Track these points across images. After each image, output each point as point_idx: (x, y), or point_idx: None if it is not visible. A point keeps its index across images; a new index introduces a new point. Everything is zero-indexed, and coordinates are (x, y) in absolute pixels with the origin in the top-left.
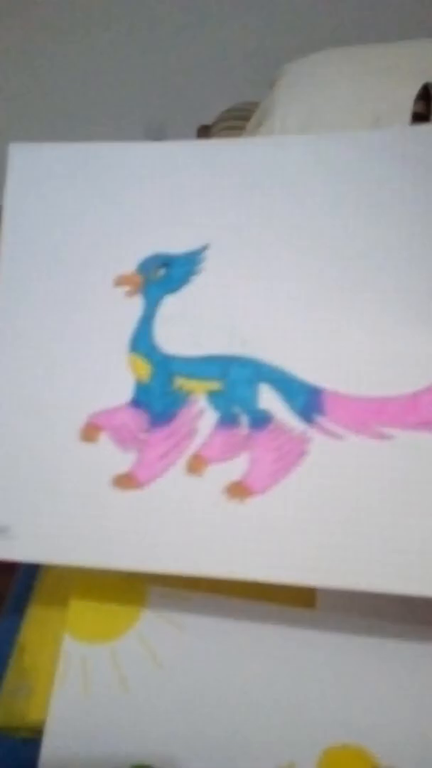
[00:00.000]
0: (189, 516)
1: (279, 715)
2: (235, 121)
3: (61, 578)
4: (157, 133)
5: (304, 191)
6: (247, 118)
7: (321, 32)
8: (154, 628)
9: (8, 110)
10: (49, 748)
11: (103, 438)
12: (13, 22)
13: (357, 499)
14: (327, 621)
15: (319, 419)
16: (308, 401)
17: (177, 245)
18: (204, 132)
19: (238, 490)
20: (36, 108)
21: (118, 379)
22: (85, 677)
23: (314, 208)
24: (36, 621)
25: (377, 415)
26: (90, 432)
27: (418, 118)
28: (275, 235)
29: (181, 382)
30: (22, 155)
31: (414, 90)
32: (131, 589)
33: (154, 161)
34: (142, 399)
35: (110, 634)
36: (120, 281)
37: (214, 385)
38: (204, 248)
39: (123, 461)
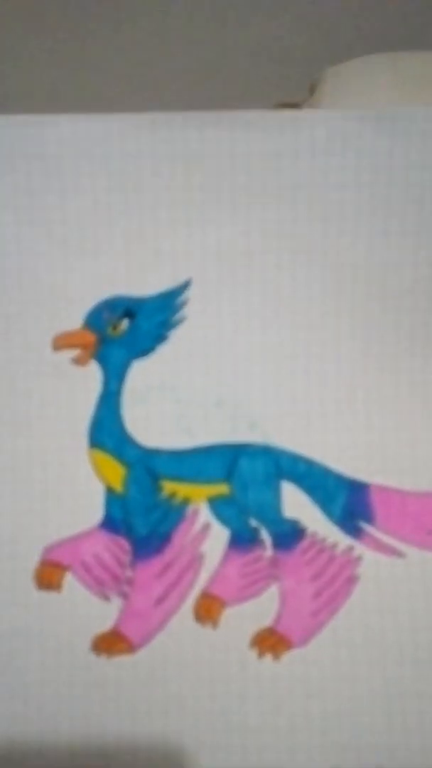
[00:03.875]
0: (207, 687)
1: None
2: None
3: None
4: None
5: (325, 194)
6: None
7: (362, 36)
8: None
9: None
10: None
11: (70, 582)
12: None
13: (430, 645)
14: None
15: (369, 529)
16: (350, 503)
17: (143, 283)
18: None
19: (271, 641)
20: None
21: (80, 491)
22: None
23: (342, 220)
24: None
25: None
26: (49, 575)
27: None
28: (287, 263)
29: (171, 488)
30: None
31: None
32: None
33: (104, 143)
34: (117, 518)
35: None
36: (62, 343)
37: (219, 489)
38: (185, 286)
39: (103, 614)
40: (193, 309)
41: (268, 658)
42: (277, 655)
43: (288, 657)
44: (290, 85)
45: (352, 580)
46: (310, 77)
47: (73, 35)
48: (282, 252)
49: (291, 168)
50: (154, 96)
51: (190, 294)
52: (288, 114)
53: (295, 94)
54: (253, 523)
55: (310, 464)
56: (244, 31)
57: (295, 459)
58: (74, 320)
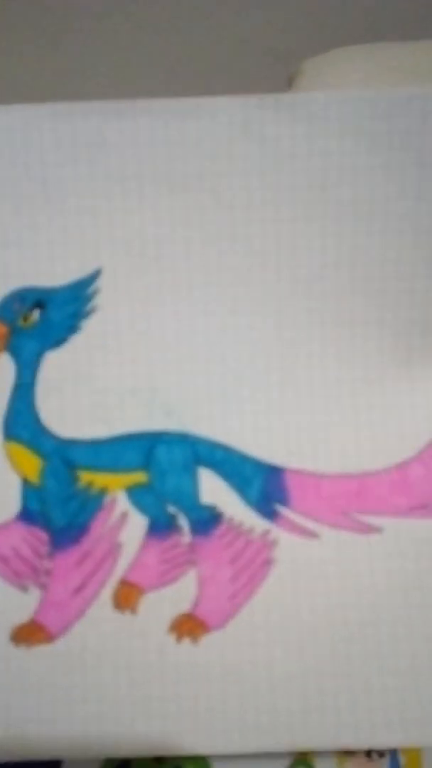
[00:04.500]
0: (126, 674)
1: None
2: None
3: None
4: None
5: (232, 180)
6: None
7: (341, 27)
8: None
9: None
10: None
11: None
12: None
13: (345, 624)
14: None
15: (284, 512)
16: (266, 487)
17: (53, 273)
18: None
19: (189, 625)
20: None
21: None
22: None
23: (249, 207)
24: None
25: (358, 499)
26: None
27: None
28: (197, 251)
29: (88, 478)
30: None
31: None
32: None
33: (6, 139)
34: (35, 509)
35: None
36: None
37: (137, 478)
38: (95, 275)
39: (21, 605)
40: (104, 298)
41: (187, 642)
42: (195, 639)
43: (206, 640)
44: (269, 78)
45: (268, 563)
46: (288, 70)
47: (47, 24)
48: (191, 240)
49: (195, 156)
50: (130, 89)
51: (101, 284)
52: (189, 101)
53: (275, 87)
54: (171, 510)
55: (226, 450)
56: (222, 24)
57: (212, 446)
58: None
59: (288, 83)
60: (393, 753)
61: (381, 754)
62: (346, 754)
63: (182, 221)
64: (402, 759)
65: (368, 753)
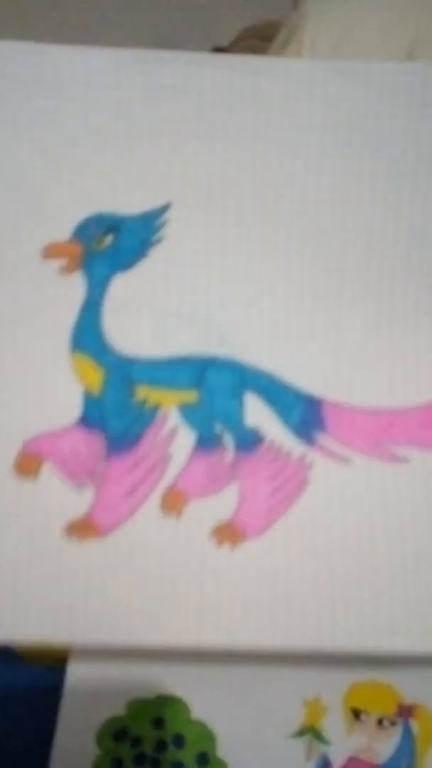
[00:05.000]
0: (168, 571)
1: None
2: (256, 40)
3: None
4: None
5: (294, 134)
6: (270, 38)
7: None
8: None
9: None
10: (74, 677)
11: (47, 471)
12: None
13: (372, 540)
14: None
15: (321, 438)
16: (306, 415)
17: (127, 203)
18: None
19: (229, 532)
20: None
21: (60, 390)
22: None
23: (309, 158)
24: None
25: (388, 432)
26: (28, 463)
27: None
28: (259, 194)
29: (144, 393)
30: None
31: None
32: None
33: (95, 75)
34: (94, 417)
35: None
36: (51, 252)
37: (188, 396)
38: (164, 208)
39: (76, 502)
40: (172, 230)
41: (226, 547)
42: (233, 545)
43: (243, 547)
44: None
45: (304, 483)
46: None
47: None
48: (254, 184)
49: (266, 109)
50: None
51: (170, 216)
52: (268, 60)
53: (280, 6)
54: (218, 428)
55: (271, 379)
56: None
57: (259, 373)
58: (63, 233)
59: (293, 3)
60: (406, 721)
61: (393, 722)
62: (356, 722)
63: (248, 167)
64: (415, 726)
65: (380, 720)
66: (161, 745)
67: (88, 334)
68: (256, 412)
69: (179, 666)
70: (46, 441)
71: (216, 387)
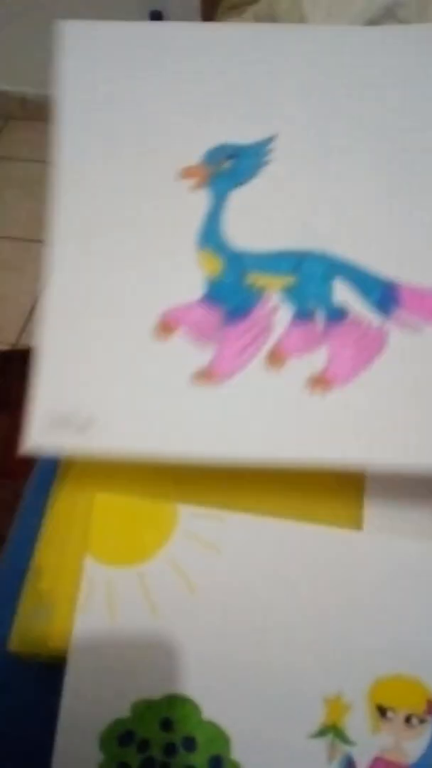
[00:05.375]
0: (271, 408)
1: (324, 643)
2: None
3: (79, 496)
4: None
5: (371, 85)
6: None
7: None
8: (186, 551)
9: None
10: (73, 678)
11: (178, 335)
12: None
13: None
14: (375, 543)
15: (397, 312)
16: (384, 294)
17: (243, 136)
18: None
19: (320, 382)
20: None
21: (189, 276)
22: (110, 603)
23: (382, 101)
24: (52, 541)
25: None
26: (164, 329)
27: None
28: (343, 128)
29: (254, 278)
30: (75, 34)
31: None
32: (159, 509)
33: (216, 45)
34: (214, 295)
35: (137, 557)
36: (187, 173)
37: (288, 281)
38: (271, 139)
39: (200, 357)
40: (278, 155)
41: (317, 394)
42: (323, 393)
43: (331, 394)
44: None
45: (382, 346)
46: None
47: None
48: (351, 126)
49: (356, 67)
50: None
51: (277, 145)
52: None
53: None
54: (311, 305)
55: (356, 267)
56: None
57: (346, 263)
58: (195, 158)
59: None
60: None
61: (422, 719)
62: (382, 720)
63: (345, 111)
64: None
65: (407, 718)
66: (170, 749)
67: (211, 235)
68: (343, 294)
69: (187, 663)
70: (177, 313)
71: (310, 273)
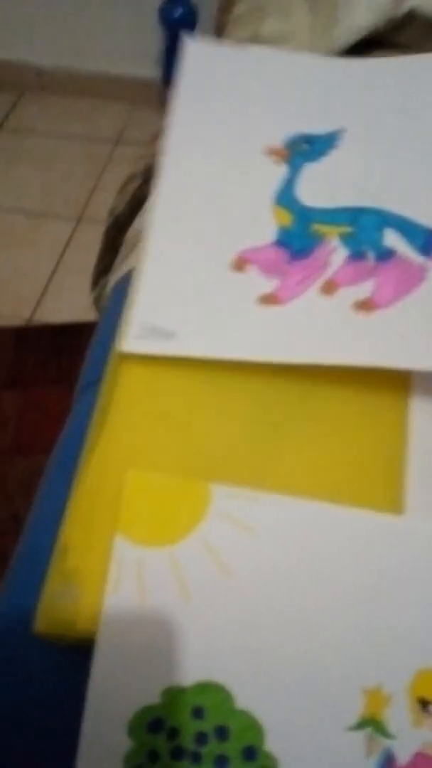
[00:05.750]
0: (323, 323)
1: (364, 633)
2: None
3: (108, 473)
4: None
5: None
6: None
7: None
8: (220, 532)
9: None
10: (101, 662)
11: (250, 269)
12: None
13: None
14: (417, 528)
15: None
16: (427, 240)
17: (319, 127)
18: None
19: (365, 305)
20: None
21: (264, 225)
22: (140, 584)
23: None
24: (79, 519)
25: None
26: (240, 264)
27: None
28: (403, 128)
29: (317, 227)
30: (195, 51)
31: None
32: (192, 487)
33: (306, 70)
34: (284, 240)
35: (169, 537)
36: (270, 151)
37: (346, 229)
38: (341, 130)
39: (267, 285)
40: (344, 142)
41: (363, 313)
42: (368, 313)
43: (375, 314)
44: None
45: (422, 279)
46: None
47: None
48: (409, 125)
49: (411, 89)
50: None
51: (344, 135)
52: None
53: None
54: (364, 247)
55: (405, 219)
56: None
57: (396, 216)
58: (279, 141)
59: None
60: None
61: None
62: (424, 713)
63: (398, 112)
64: None
65: None
66: (202, 738)
67: (286, 195)
68: (392, 239)
69: (219, 648)
70: (252, 252)
71: (366, 224)
